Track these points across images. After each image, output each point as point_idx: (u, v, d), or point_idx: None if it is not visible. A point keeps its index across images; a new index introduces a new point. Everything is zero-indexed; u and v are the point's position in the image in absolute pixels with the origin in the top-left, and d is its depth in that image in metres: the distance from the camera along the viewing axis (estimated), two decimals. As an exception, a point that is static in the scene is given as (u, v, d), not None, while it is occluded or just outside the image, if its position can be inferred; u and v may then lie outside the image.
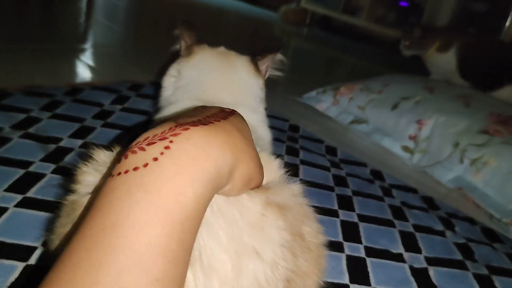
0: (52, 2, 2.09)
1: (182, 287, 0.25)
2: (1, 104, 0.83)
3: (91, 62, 1.29)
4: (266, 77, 0.65)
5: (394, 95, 1.23)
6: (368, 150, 1.14)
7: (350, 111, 1.29)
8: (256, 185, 0.34)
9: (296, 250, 0.35)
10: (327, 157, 0.99)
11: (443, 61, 1.64)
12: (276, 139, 0.99)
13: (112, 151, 0.37)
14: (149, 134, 0.28)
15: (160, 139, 0.27)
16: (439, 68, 1.68)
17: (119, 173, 0.26)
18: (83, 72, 1.21)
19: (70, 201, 0.36)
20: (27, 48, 1.26)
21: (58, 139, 0.75)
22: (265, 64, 0.63)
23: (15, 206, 0.56)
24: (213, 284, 0.30)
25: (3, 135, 0.72)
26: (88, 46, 1.48)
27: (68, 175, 0.40)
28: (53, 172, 0.65)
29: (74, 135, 0.78)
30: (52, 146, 0.73)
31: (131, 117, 0.92)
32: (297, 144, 1.01)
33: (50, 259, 0.36)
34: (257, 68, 0.62)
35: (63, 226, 0.36)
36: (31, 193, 0.59)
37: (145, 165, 0.26)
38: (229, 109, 0.34)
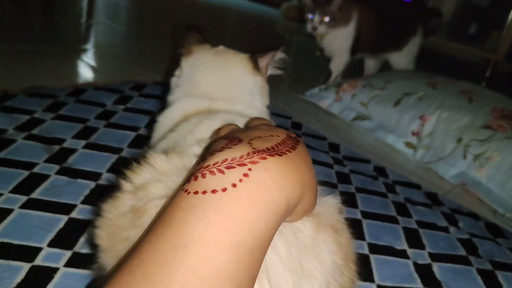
0: (54, 3, 2.09)
1: None
2: (5, 105, 0.83)
3: (93, 63, 1.30)
4: (267, 74, 0.65)
5: (397, 91, 1.23)
6: (371, 147, 1.13)
7: (353, 107, 1.29)
8: (310, 212, 0.34)
9: (343, 270, 0.36)
10: (330, 154, 0.99)
11: (342, 37, 1.41)
12: None
13: (168, 156, 0.37)
14: (227, 156, 0.28)
15: (239, 165, 0.27)
16: (333, 47, 1.45)
17: (196, 192, 0.26)
18: (86, 72, 1.22)
19: (131, 205, 0.36)
20: (29, 50, 1.27)
21: (62, 140, 0.76)
22: (265, 61, 0.63)
23: (20, 207, 0.57)
24: None
25: (7, 137, 0.72)
26: (90, 46, 1.49)
27: (119, 173, 0.39)
28: (58, 173, 0.66)
29: (78, 136, 0.79)
30: (56, 147, 0.73)
31: (134, 117, 0.93)
32: (299, 141, 1.01)
33: (95, 255, 0.36)
34: (255, 66, 0.62)
35: (120, 228, 0.35)
36: (35, 194, 0.60)
37: (224, 189, 0.26)
38: (293, 134, 0.34)
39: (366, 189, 0.85)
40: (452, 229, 0.78)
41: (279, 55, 0.64)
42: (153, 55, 1.57)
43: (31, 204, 0.58)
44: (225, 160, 0.28)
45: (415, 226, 0.76)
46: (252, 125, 0.39)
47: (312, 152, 0.96)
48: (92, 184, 0.65)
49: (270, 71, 0.66)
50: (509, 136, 1.00)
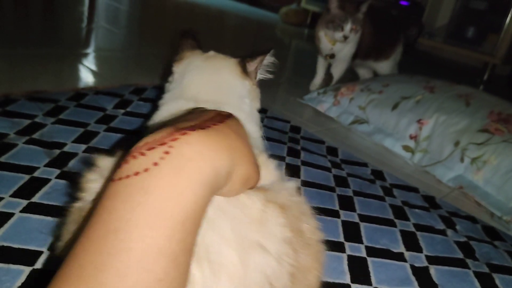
0: (54, 7, 2.11)
1: (184, 286, 0.26)
2: (6, 110, 0.84)
3: (93, 67, 1.30)
4: (256, 78, 0.66)
5: (395, 95, 1.24)
6: (369, 150, 1.14)
7: (351, 111, 1.29)
8: (253, 185, 0.35)
9: (297, 246, 0.36)
10: (328, 157, 0.99)
11: (352, 44, 1.45)
12: (277, 141, 1.00)
13: (114, 156, 0.38)
14: (149, 139, 0.29)
15: (160, 144, 0.28)
16: (342, 53, 1.48)
17: (120, 178, 0.27)
18: (86, 76, 1.23)
19: (77, 208, 0.37)
20: (30, 54, 1.28)
21: (62, 144, 0.76)
22: (254, 66, 0.64)
23: (21, 211, 0.57)
24: (222, 280, 0.31)
25: (8, 141, 0.73)
26: (90, 50, 1.50)
27: (74, 183, 0.40)
28: (58, 177, 0.66)
29: (78, 140, 0.79)
30: (57, 151, 0.74)
31: (134, 120, 0.93)
32: (298, 145, 1.02)
33: (56, 263, 0.37)
34: (244, 70, 0.63)
35: (70, 233, 0.36)
36: (36, 198, 0.60)
37: (146, 169, 0.26)
38: (225, 112, 0.35)
39: (363, 192, 0.86)
40: (449, 232, 0.78)
41: (269, 59, 0.65)
42: (152, 59, 1.58)
43: (31, 208, 0.58)
44: (146, 143, 0.28)
45: (412, 229, 0.76)
46: (188, 112, 0.40)
47: (310, 156, 0.97)
48: (92, 188, 0.66)
49: (261, 75, 0.67)
50: (506, 140, 1.01)
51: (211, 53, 0.66)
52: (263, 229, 0.34)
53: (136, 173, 0.26)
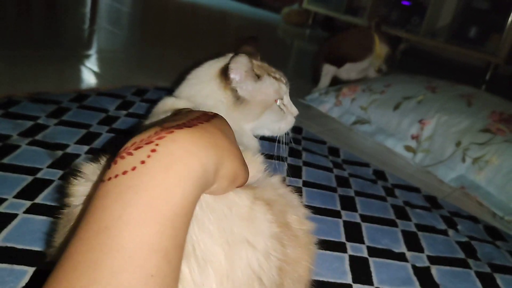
0: (56, 9, 2.12)
1: (176, 281, 0.27)
2: (8, 111, 0.85)
3: (96, 68, 1.31)
4: (239, 92, 0.59)
5: (397, 95, 1.24)
6: (371, 150, 1.14)
7: (352, 111, 1.29)
8: (242, 182, 0.35)
9: (284, 240, 0.37)
10: (330, 158, 1.00)
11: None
12: (279, 141, 1.00)
13: (99, 162, 0.38)
14: (136, 139, 0.29)
15: (147, 143, 0.28)
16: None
17: (110, 178, 0.27)
18: (88, 78, 1.23)
19: (65, 213, 0.38)
20: (32, 55, 1.28)
21: (65, 146, 0.77)
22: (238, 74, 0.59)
23: (24, 212, 0.57)
24: (209, 275, 0.31)
25: (11, 143, 0.73)
26: (92, 52, 1.50)
27: (61, 190, 0.41)
28: (61, 178, 0.67)
29: (81, 141, 0.80)
30: (59, 153, 0.74)
31: (136, 122, 0.94)
32: (300, 145, 1.02)
33: (49, 266, 0.38)
34: (225, 77, 0.58)
35: (61, 238, 0.37)
36: (39, 199, 0.61)
37: (133, 168, 0.27)
38: (211, 112, 0.36)
39: (365, 192, 0.86)
40: (451, 232, 0.78)
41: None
42: (154, 60, 1.58)
43: (35, 209, 0.58)
44: (134, 143, 0.29)
45: (414, 229, 0.76)
46: (175, 113, 0.40)
47: (311, 156, 0.97)
48: (94, 189, 0.66)
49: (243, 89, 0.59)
50: (508, 140, 1.01)
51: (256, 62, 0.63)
52: (251, 226, 0.35)
53: (125, 172, 0.27)
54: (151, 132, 0.29)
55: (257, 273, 0.33)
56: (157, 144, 0.28)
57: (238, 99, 0.58)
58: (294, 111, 0.66)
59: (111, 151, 0.39)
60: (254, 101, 0.59)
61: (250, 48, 0.67)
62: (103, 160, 0.38)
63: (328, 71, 1.53)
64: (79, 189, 0.37)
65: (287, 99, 0.65)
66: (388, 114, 1.21)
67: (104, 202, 0.26)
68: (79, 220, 0.27)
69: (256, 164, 0.42)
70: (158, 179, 0.27)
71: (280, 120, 0.63)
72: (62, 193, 0.40)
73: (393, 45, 1.63)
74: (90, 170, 0.38)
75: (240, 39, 0.68)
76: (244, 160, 0.35)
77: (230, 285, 0.32)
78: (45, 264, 0.50)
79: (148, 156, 0.27)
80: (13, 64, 1.18)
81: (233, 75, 0.57)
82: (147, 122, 0.56)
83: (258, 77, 0.59)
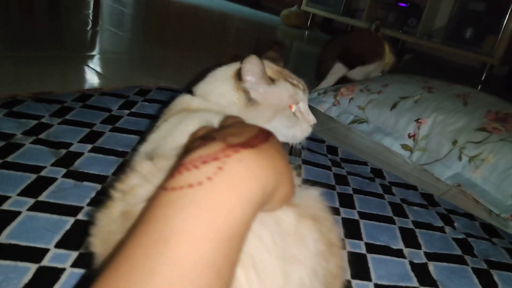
0: (60, 11, 2.12)
1: None
2: (13, 111, 0.85)
3: (99, 69, 1.32)
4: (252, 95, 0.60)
5: (394, 95, 1.25)
6: (368, 149, 1.16)
7: (350, 111, 1.31)
8: (288, 202, 0.35)
9: (328, 256, 0.37)
10: (329, 156, 1.01)
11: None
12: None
13: (153, 162, 0.38)
14: (202, 152, 0.29)
15: (214, 159, 0.29)
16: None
17: (174, 188, 0.28)
18: (92, 78, 1.24)
19: (116, 208, 0.37)
20: (36, 56, 1.29)
21: (69, 144, 0.78)
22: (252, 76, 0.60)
23: (28, 209, 0.58)
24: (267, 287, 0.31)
25: (15, 141, 0.74)
26: (95, 52, 1.51)
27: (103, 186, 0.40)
28: (64, 176, 0.68)
29: (84, 140, 0.81)
30: (63, 151, 0.75)
31: (138, 121, 0.95)
32: (299, 144, 1.03)
33: (92, 261, 0.38)
34: (239, 78, 0.59)
35: (113, 234, 0.36)
36: (43, 197, 0.61)
37: (200, 183, 0.27)
38: (266, 129, 0.35)
39: (363, 190, 0.87)
40: (447, 229, 0.79)
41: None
42: (156, 61, 1.59)
43: (38, 207, 0.59)
44: (200, 157, 0.29)
45: (411, 226, 0.77)
46: (226, 123, 0.41)
47: (311, 155, 0.98)
48: (98, 187, 0.67)
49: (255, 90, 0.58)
50: (503, 138, 1.02)
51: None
52: (299, 243, 0.35)
53: (190, 186, 0.27)
54: (217, 148, 0.29)
55: None
56: (224, 162, 0.28)
57: (250, 100, 0.58)
58: (311, 119, 0.64)
59: (177, 158, 0.36)
60: (266, 104, 0.59)
61: (274, 53, 0.67)
62: (159, 162, 0.37)
63: (338, 70, 1.53)
64: (139, 192, 0.36)
65: (304, 106, 0.64)
66: (385, 113, 1.22)
67: (167, 212, 0.27)
68: (136, 224, 0.28)
69: (295, 179, 0.42)
70: (222, 198, 0.27)
71: (293, 126, 0.62)
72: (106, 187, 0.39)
73: (399, 55, 1.64)
74: (146, 170, 0.37)
75: (265, 44, 0.68)
76: (294, 182, 0.35)
77: None
78: (85, 254, 0.49)
79: (215, 174, 0.28)
80: (18, 65, 1.19)
81: (246, 77, 0.58)
82: (162, 119, 0.56)
83: (272, 80, 0.59)
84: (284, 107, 0.60)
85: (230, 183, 0.28)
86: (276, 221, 0.34)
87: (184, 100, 0.59)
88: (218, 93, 0.59)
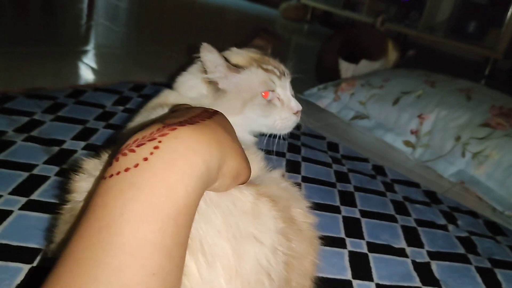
0: (53, 5, 2.10)
1: (179, 279, 0.26)
2: (4, 107, 0.84)
3: (92, 64, 1.30)
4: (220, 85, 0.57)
5: (395, 89, 1.23)
6: (370, 146, 1.14)
7: (351, 106, 1.29)
8: (244, 180, 0.35)
9: (289, 234, 0.36)
10: (329, 153, 0.99)
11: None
12: (275, 136, 1.00)
13: (100, 157, 0.38)
14: (138, 136, 0.29)
15: (149, 140, 0.28)
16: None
17: (111, 175, 0.27)
18: (85, 73, 1.22)
19: (67, 209, 0.37)
20: (29, 51, 1.27)
21: (61, 141, 0.76)
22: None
23: (20, 209, 0.57)
24: (217, 271, 0.31)
25: (6, 139, 0.73)
26: (89, 47, 1.49)
27: (61, 188, 0.41)
28: (57, 174, 0.66)
29: (77, 137, 0.79)
30: (56, 149, 0.73)
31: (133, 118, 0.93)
32: (298, 141, 1.02)
33: (49, 262, 0.37)
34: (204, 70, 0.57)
35: (62, 234, 0.37)
36: (35, 196, 0.60)
37: (136, 165, 0.27)
38: (212, 109, 0.35)
39: (364, 188, 0.85)
40: (451, 227, 0.78)
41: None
42: (151, 56, 1.57)
43: (30, 206, 0.58)
44: (136, 140, 0.28)
45: (413, 224, 0.76)
46: (174, 110, 0.40)
47: (310, 152, 0.96)
48: (91, 185, 0.66)
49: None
50: (508, 134, 1.00)
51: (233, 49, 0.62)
52: (257, 222, 0.34)
53: (127, 169, 0.27)
54: (153, 129, 0.29)
55: (266, 268, 0.33)
56: (159, 141, 0.28)
57: (217, 91, 0.56)
58: (294, 106, 0.60)
59: (111, 147, 0.38)
60: (234, 93, 0.56)
61: (261, 41, 0.66)
62: (104, 156, 0.37)
63: (347, 68, 1.50)
64: (82, 185, 0.36)
65: (283, 93, 0.60)
66: (387, 109, 1.20)
67: (105, 199, 0.26)
68: (80, 217, 0.27)
69: (257, 162, 0.41)
70: (160, 176, 0.26)
71: (268, 115, 0.58)
72: (62, 189, 0.40)
73: (402, 51, 1.62)
74: (91, 166, 0.37)
75: (254, 32, 0.67)
76: (247, 157, 0.35)
77: (239, 280, 0.31)
78: (45, 260, 0.50)
79: (151, 153, 0.27)
80: (9, 60, 1.17)
81: (206, 67, 0.55)
82: (140, 115, 0.55)
83: (239, 68, 0.56)
84: (254, 95, 0.56)
85: (168, 160, 0.27)
86: (232, 201, 0.34)
87: (162, 95, 0.58)
88: (189, 86, 0.58)
